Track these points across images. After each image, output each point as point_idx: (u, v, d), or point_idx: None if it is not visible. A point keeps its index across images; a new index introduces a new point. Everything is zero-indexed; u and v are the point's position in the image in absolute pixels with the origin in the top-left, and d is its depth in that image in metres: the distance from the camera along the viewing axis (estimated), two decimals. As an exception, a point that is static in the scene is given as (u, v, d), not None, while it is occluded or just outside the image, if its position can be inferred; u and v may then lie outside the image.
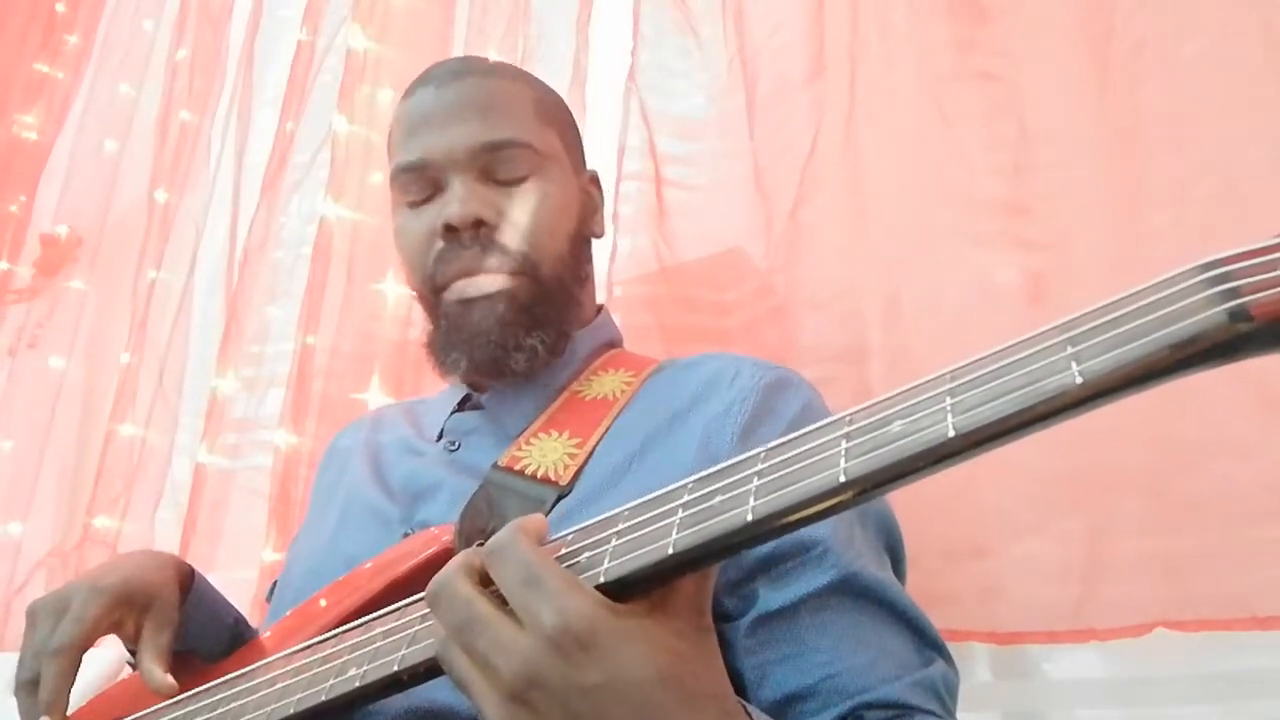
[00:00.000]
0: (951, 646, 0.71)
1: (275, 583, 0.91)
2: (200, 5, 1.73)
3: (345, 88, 1.43)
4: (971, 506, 0.95)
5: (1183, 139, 0.93)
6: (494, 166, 0.84)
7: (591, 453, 0.76)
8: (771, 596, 0.67)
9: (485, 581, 0.47)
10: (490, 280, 0.82)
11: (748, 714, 0.49)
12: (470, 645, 0.45)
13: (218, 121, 1.62)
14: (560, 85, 1.11)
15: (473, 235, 0.82)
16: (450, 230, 0.82)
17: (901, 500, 0.78)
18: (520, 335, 0.82)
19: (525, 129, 0.87)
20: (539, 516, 0.49)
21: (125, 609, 0.72)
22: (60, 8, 1.92)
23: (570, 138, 0.95)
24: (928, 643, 0.69)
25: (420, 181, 0.85)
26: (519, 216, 0.83)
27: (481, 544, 0.68)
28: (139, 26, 1.83)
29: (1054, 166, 1.00)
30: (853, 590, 0.67)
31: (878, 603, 0.68)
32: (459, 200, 0.82)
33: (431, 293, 0.85)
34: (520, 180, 0.85)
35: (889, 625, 0.68)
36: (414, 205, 0.86)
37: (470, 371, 0.84)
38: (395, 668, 0.49)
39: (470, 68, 0.93)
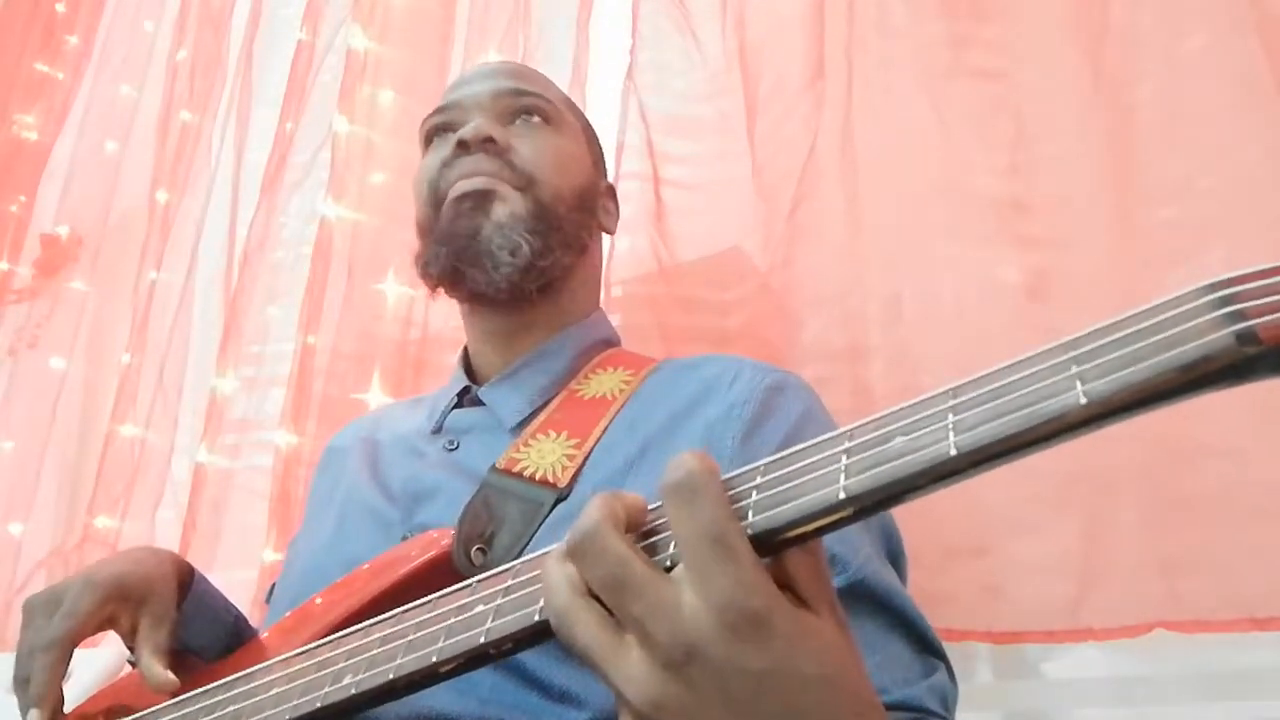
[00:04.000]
0: (951, 646, 0.71)
1: (274, 584, 0.91)
2: (200, 6, 1.73)
3: (345, 88, 1.43)
4: (971, 506, 0.95)
5: (1181, 135, 0.93)
6: (513, 110, 0.91)
7: (589, 454, 0.76)
8: None
9: (629, 530, 0.42)
10: (487, 180, 0.86)
11: None
12: (622, 607, 0.40)
13: (218, 122, 1.62)
14: (560, 85, 1.11)
15: (480, 149, 0.86)
16: (461, 145, 0.87)
17: (900, 500, 0.78)
18: (506, 231, 0.84)
19: (547, 92, 0.94)
20: (712, 459, 0.42)
21: (120, 604, 0.71)
22: (60, 8, 1.92)
23: (592, 140, 1.00)
24: (931, 651, 0.69)
25: (445, 128, 0.92)
26: (527, 147, 0.89)
27: (482, 547, 0.69)
28: (139, 27, 1.83)
29: (1052, 164, 1.00)
30: (861, 595, 0.66)
31: (886, 609, 0.67)
32: (474, 123, 0.87)
33: (434, 207, 0.89)
34: (536, 125, 0.91)
35: (895, 632, 0.67)
36: (434, 146, 0.93)
37: (450, 257, 0.85)
38: (390, 676, 0.49)
39: (509, 61, 1.04)
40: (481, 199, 0.85)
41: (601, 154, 1.03)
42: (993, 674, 0.98)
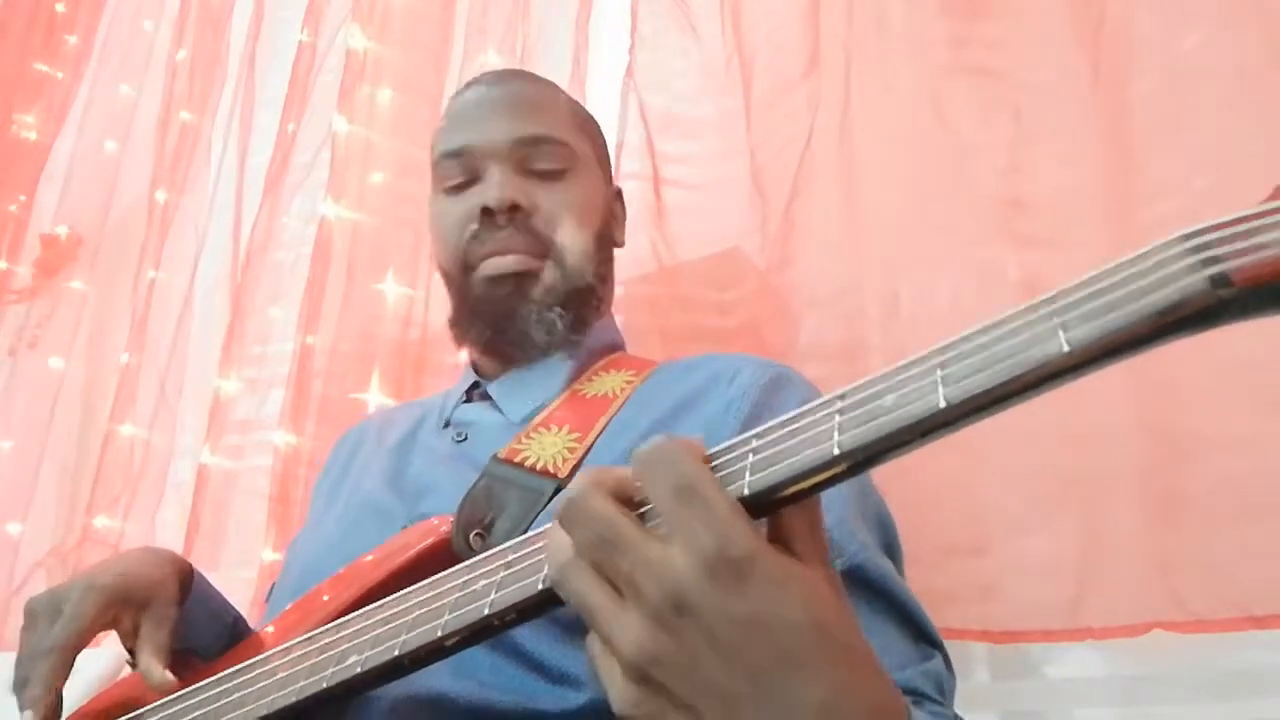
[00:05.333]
0: (949, 645, 0.71)
1: (274, 584, 0.91)
2: (201, 6, 1.73)
3: (345, 88, 1.43)
4: (969, 505, 0.95)
5: (1180, 132, 0.93)
6: (531, 159, 0.91)
7: (590, 447, 0.77)
8: None
9: (617, 500, 0.43)
10: (519, 260, 0.87)
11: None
12: (610, 565, 0.41)
13: (219, 122, 1.62)
14: (560, 84, 1.12)
15: (507, 219, 0.87)
16: (487, 213, 0.88)
17: (899, 499, 0.78)
18: (542, 310, 0.87)
19: (562, 128, 0.94)
20: (698, 438, 0.44)
21: (121, 606, 0.71)
22: (60, 8, 1.92)
23: (600, 150, 1.01)
24: (928, 639, 0.69)
25: (460, 169, 0.92)
26: (551, 207, 0.89)
27: (480, 533, 0.69)
28: (139, 27, 1.84)
29: (1050, 162, 1.00)
30: (857, 582, 0.66)
31: (881, 595, 0.68)
32: (497, 186, 0.88)
33: (461, 271, 0.91)
34: (555, 174, 0.91)
35: (890, 619, 0.67)
36: (452, 191, 0.92)
37: (492, 338, 0.89)
38: (396, 653, 0.49)
39: (516, 74, 1.03)
40: (518, 282, 0.87)
41: (607, 157, 1.04)
42: (991, 674, 0.98)
